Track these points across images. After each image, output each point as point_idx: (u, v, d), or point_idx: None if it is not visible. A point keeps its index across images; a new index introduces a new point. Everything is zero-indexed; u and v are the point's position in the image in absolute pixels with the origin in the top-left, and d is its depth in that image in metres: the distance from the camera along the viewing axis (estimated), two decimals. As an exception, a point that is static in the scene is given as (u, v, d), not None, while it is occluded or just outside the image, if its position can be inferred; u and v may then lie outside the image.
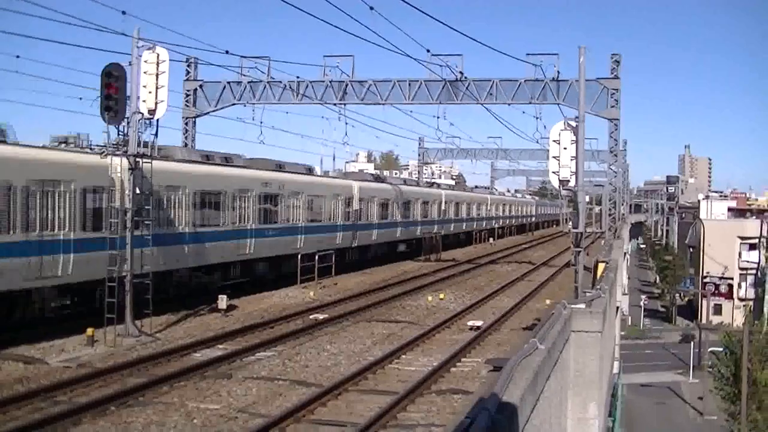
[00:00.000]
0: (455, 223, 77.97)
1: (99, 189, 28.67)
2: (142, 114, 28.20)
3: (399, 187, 63.56)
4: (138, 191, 28.13)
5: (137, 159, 27.79)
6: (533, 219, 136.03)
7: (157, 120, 28.89)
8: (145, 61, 28.72)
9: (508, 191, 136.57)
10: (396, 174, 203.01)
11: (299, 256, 43.18)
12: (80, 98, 43.56)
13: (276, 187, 42.07)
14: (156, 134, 28.64)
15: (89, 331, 25.73)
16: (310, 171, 50.72)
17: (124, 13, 33.26)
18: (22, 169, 25.97)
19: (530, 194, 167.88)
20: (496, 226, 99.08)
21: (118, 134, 27.43)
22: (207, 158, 38.01)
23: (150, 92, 28.52)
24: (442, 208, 72.93)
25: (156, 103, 28.63)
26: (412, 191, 66.77)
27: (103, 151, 27.71)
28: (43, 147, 28.61)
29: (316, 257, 44.60)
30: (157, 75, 28.78)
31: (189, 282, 35.36)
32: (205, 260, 35.75)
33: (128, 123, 27.64)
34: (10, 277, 25.26)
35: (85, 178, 28.16)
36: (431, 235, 64.98)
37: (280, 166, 45.22)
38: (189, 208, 33.79)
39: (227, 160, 39.98)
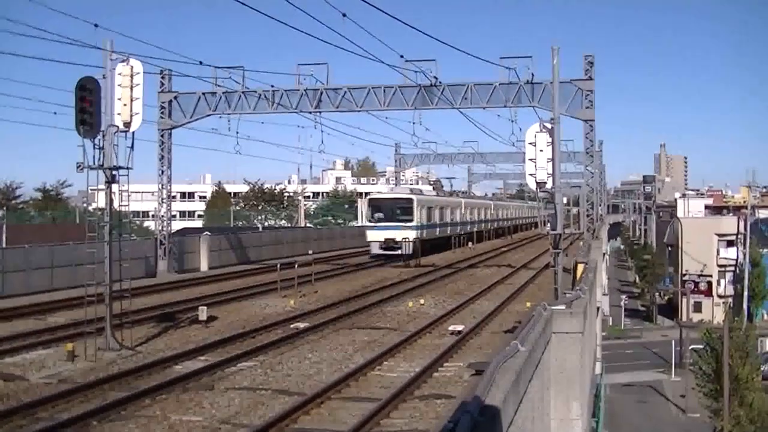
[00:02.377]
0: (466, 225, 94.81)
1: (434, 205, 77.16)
2: (118, 127, 28.10)
3: (435, 197, 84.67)
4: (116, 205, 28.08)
5: (113, 172, 27.69)
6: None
7: (133, 132, 28.81)
8: (119, 74, 28.63)
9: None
10: (372, 181, 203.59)
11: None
12: (54, 113, 43.54)
13: None
14: (132, 147, 28.54)
15: (68, 346, 25.58)
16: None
17: (96, 26, 33.24)
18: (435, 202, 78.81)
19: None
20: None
21: (94, 148, 27.29)
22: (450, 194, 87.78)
23: (125, 105, 28.41)
24: (462, 212, 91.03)
25: (131, 116, 28.52)
26: (448, 201, 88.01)
27: (80, 165, 27.56)
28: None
29: (296, 266, 44.79)
30: (131, 87, 28.69)
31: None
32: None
33: (103, 136, 27.52)
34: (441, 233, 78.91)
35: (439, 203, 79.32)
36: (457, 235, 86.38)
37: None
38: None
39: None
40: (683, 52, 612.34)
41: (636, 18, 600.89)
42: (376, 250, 67.82)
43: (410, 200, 70.28)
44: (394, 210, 69.39)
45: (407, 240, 66.22)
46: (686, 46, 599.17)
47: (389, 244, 66.70)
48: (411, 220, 68.42)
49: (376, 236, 68.26)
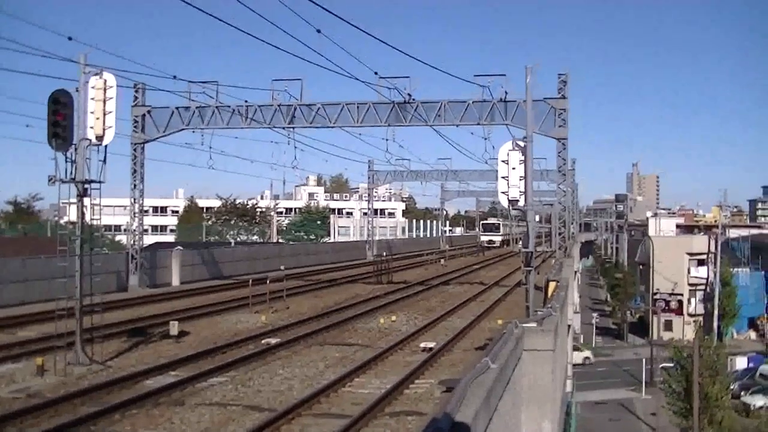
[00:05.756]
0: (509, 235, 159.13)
1: (505, 225, 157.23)
2: (90, 140, 27.99)
3: (506, 221, 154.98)
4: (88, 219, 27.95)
5: (85, 186, 27.58)
6: None
7: (106, 146, 28.70)
8: (93, 87, 28.57)
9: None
10: (345, 197, 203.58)
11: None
12: (27, 125, 43.31)
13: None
14: (104, 160, 28.43)
15: (38, 360, 25.42)
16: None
17: (70, 39, 33.16)
18: (506, 224, 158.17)
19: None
20: None
21: (66, 161, 27.17)
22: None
23: (98, 118, 28.34)
24: (510, 228, 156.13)
25: (104, 129, 28.45)
26: (509, 223, 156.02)
27: (52, 179, 27.43)
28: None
29: (268, 281, 44.83)
30: (104, 101, 28.63)
31: None
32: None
33: (76, 150, 27.40)
34: (506, 239, 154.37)
35: None
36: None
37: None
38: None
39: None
40: (656, 72, 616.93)
41: (610, 38, 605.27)
42: (484, 244, 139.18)
43: (499, 223, 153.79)
44: (492, 228, 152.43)
45: (498, 240, 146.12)
46: (659, 66, 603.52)
47: (490, 242, 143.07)
48: (499, 232, 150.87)
49: (484, 238, 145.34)
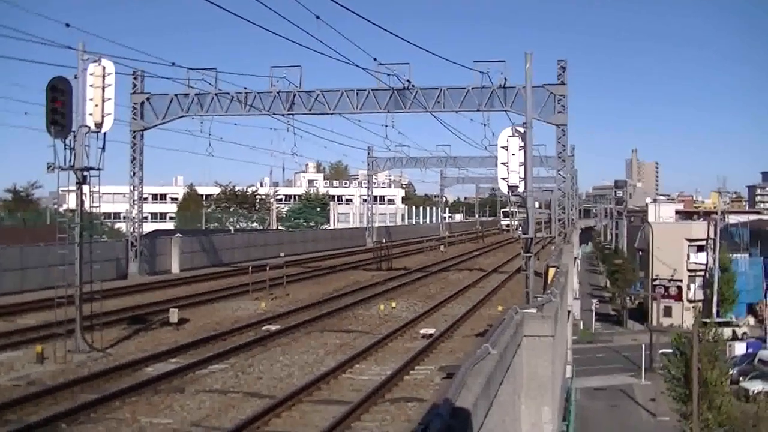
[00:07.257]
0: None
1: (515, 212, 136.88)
2: (89, 127, 27.93)
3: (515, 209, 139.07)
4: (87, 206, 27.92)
5: (84, 173, 27.52)
6: None
7: (105, 133, 28.64)
8: (91, 74, 28.46)
9: None
10: (345, 184, 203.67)
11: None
12: (25, 113, 43.30)
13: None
14: (103, 148, 28.37)
15: (38, 348, 25.41)
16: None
17: (68, 25, 33.08)
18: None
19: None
20: None
21: (65, 148, 27.11)
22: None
23: (96, 105, 28.24)
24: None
25: (103, 117, 28.35)
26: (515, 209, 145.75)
27: (51, 166, 27.37)
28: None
29: (268, 268, 44.79)
30: (103, 88, 28.53)
31: None
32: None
33: (75, 137, 27.34)
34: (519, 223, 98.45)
35: None
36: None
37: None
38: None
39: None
40: (655, 58, 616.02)
41: (609, 25, 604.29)
42: (503, 227, 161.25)
43: (515, 211, 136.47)
44: (510, 214, 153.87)
45: (513, 225, 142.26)
46: (658, 52, 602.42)
47: (508, 226, 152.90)
48: (515, 218, 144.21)
49: (504, 222, 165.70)
